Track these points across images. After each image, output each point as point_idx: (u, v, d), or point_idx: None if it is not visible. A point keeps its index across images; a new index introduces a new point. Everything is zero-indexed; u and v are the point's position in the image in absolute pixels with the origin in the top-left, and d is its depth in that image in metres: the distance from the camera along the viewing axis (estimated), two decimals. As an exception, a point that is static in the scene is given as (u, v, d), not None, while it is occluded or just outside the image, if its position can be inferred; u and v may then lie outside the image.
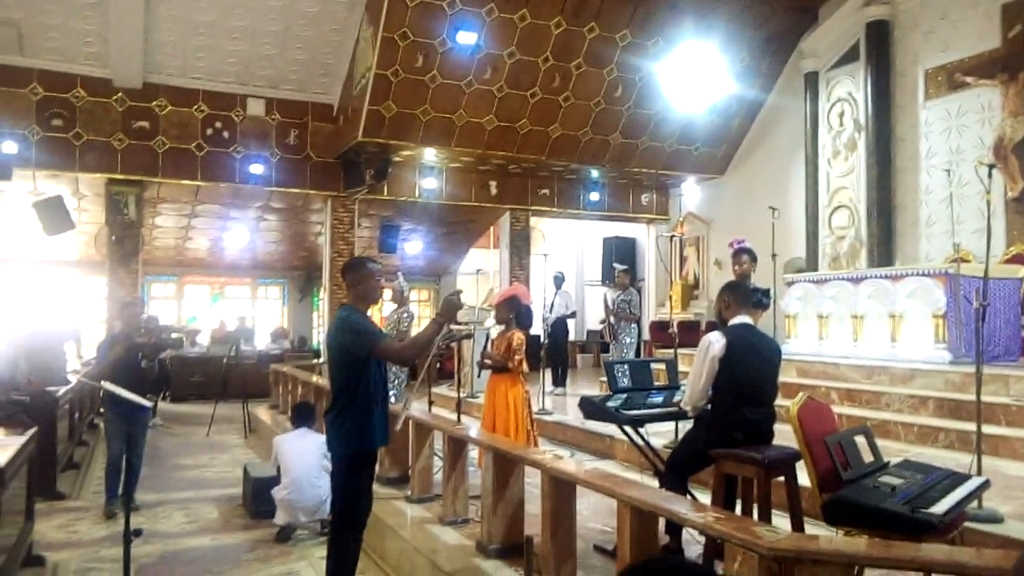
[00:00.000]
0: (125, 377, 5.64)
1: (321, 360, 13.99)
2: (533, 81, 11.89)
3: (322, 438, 4.72)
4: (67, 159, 11.57)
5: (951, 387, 6.58)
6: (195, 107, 12.24)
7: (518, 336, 5.92)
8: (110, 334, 6.80)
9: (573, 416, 8.25)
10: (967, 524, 3.69)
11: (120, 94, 11.81)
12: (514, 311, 6.01)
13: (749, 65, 12.73)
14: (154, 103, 12.01)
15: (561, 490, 3.87)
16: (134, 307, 6.81)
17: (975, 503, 3.86)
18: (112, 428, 6.34)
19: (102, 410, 11.67)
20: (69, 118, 11.55)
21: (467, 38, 10.89)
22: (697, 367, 4.05)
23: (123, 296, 12.13)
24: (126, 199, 12.25)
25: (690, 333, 11.35)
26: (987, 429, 5.17)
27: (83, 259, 15.74)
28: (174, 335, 7.72)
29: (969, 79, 9.78)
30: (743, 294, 4.26)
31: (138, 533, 4.55)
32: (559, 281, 11.52)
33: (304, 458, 5.82)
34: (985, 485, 3.56)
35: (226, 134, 12.43)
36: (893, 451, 5.44)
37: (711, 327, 4.26)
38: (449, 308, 3.94)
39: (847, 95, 11.15)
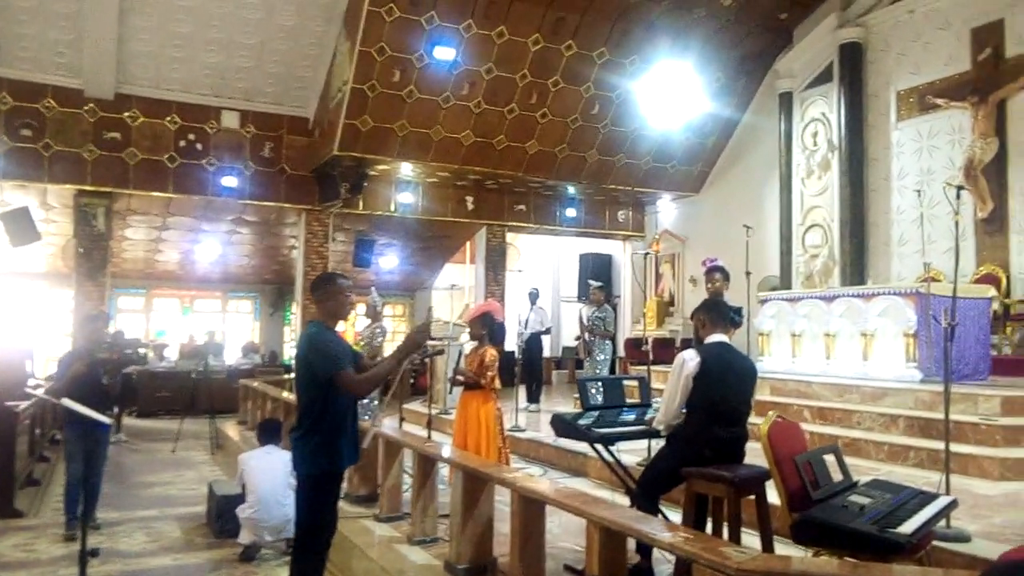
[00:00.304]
0: (85, 393, 5.40)
1: (292, 376, 13.84)
2: (510, 97, 11.91)
3: (288, 455, 4.63)
4: (35, 170, 11.38)
5: (921, 405, 6.60)
6: (168, 118, 12.11)
7: (491, 353, 5.87)
8: (74, 350, 6.50)
9: (546, 433, 8.17)
10: (935, 543, 3.67)
11: (91, 105, 11.65)
12: (487, 327, 5.96)
13: (725, 84, 12.84)
14: (126, 114, 11.86)
15: (530, 509, 3.81)
16: (97, 321, 6.55)
17: (943, 522, 3.85)
18: (71, 447, 6.08)
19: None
20: (38, 128, 11.37)
21: (445, 53, 10.90)
22: (672, 386, 4.02)
23: (89, 310, 11.93)
24: (95, 211, 12.06)
25: (665, 350, 11.36)
26: (956, 448, 5.19)
27: (50, 271, 15.46)
28: (141, 350, 7.58)
29: (940, 101, 9.94)
30: (719, 313, 4.25)
31: (95, 553, 4.43)
32: (534, 297, 11.49)
33: (270, 476, 5.70)
34: (953, 504, 3.55)
35: (199, 146, 12.30)
36: (864, 469, 5.44)
37: (686, 344, 4.25)
38: (411, 344, 3.86)
39: (821, 115, 11.28)
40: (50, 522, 6.60)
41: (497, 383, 5.93)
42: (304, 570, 3.91)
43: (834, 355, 8.09)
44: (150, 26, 11.02)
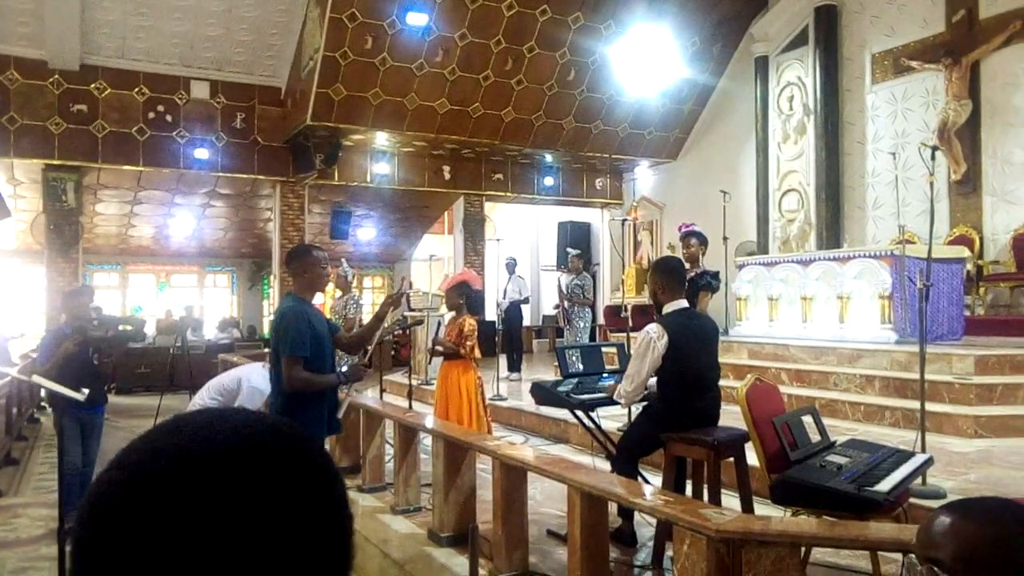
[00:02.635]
0: (77, 375, 5.08)
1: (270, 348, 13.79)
2: (485, 64, 11.77)
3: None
4: (1, 144, 11.11)
5: (897, 366, 6.70)
6: (136, 90, 11.84)
7: (469, 322, 5.85)
8: (57, 328, 5.97)
9: (528, 401, 8.19)
10: (912, 500, 3.74)
11: (56, 76, 11.37)
12: (464, 297, 5.93)
13: (700, 49, 12.77)
14: (92, 85, 11.59)
15: (512, 477, 3.83)
16: (82, 296, 6.00)
17: (919, 480, 3.92)
18: (70, 434, 5.48)
19: (43, 405, 11.37)
20: (3, 101, 11.07)
21: (417, 19, 10.72)
22: (637, 363, 3.92)
23: (64, 285, 11.75)
24: (64, 185, 11.82)
25: (644, 317, 11.40)
26: (931, 407, 5.27)
27: (21, 248, 15.19)
28: (120, 326, 7.40)
29: (914, 63, 9.94)
30: (677, 277, 4.12)
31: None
32: (512, 267, 11.47)
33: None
34: (929, 462, 3.61)
35: (169, 118, 12.06)
36: (841, 430, 5.51)
37: (658, 311, 4.20)
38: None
39: (796, 79, 11.26)
40: (31, 501, 6.54)
41: (477, 352, 5.92)
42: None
43: (811, 318, 8.17)
44: (114, -6, 10.74)
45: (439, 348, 5.99)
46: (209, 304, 18.05)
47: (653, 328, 3.88)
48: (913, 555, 1.12)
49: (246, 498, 0.52)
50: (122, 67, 11.72)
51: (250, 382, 5.56)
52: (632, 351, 4.22)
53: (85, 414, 5.46)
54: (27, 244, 14.88)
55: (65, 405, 5.26)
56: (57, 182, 11.80)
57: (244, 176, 13.03)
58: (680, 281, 4.10)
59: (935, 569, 1.09)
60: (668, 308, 4.01)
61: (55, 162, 11.58)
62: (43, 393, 11.13)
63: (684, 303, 4.03)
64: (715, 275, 6.58)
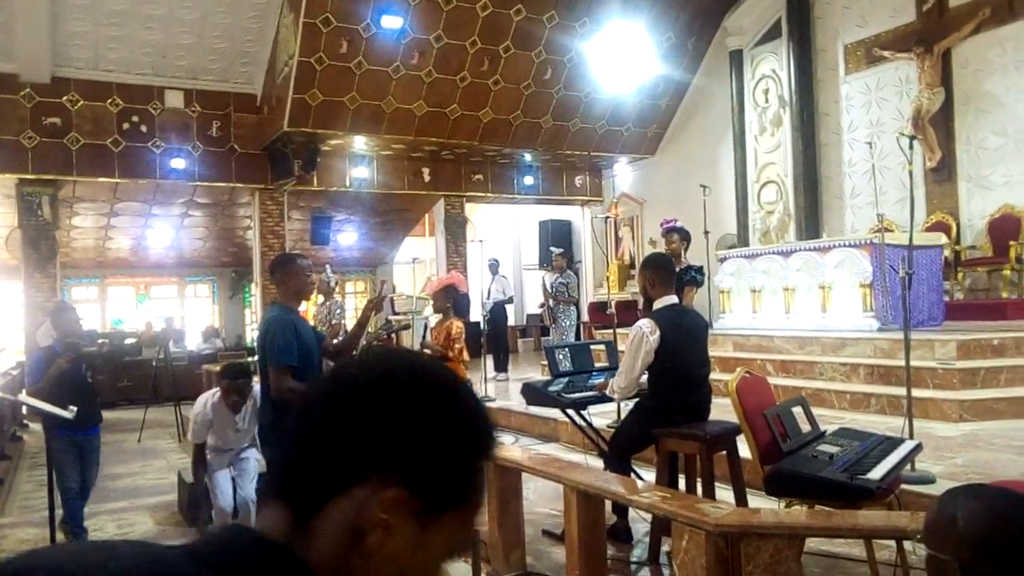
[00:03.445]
0: (71, 393, 4.84)
1: (256, 358, 13.68)
2: (461, 65, 11.75)
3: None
4: (-27, 160, 10.96)
5: (880, 354, 6.78)
6: (109, 101, 11.71)
7: (457, 325, 5.85)
8: (47, 346, 5.69)
9: (516, 401, 8.22)
10: (903, 487, 3.78)
11: (28, 89, 11.21)
12: (451, 299, 5.94)
13: (675, 44, 12.82)
14: (65, 98, 11.44)
15: (507, 478, 3.84)
16: (70, 312, 5.74)
17: (908, 466, 3.96)
18: (62, 456, 5.21)
19: (25, 423, 11.23)
20: (-27, 116, 10.93)
21: (392, 22, 10.69)
22: (630, 358, 3.95)
23: (42, 300, 11.62)
24: (39, 200, 11.67)
25: (628, 313, 11.44)
26: (916, 392, 5.32)
27: (-3, 264, 14.98)
28: (99, 340, 7.27)
29: (887, 53, 10.05)
30: (668, 272, 4.15)
31: (66, 549, 4.34)
32: (494, 268, 11.48)
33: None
34: (918, 448, 3.65)
35: (144, 128, 11.93)
36: (828, 419, 5.56)
37: (648, 307, 4.21)
38: (363, 319, 4.28)
39: (771, 72, 11.36)
40: (18, 521, 6.46)
41: (465, 355, 5.92)
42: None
43: (793, 309, 8.24)
44: (84, 4, 10.58)
45: (427, 351, 5.99)
46: (190, 315, 17.89)
47: (645, 323, 3.91)
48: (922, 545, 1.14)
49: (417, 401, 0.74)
50: (95, 78, 11.58)
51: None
52: (623, 347, 4.24)
53: (80, 435, 5.21)
54: (3, 260, 14.66)
55: (55, 426, 5.01)
56: (32, 196, 11.65)
57: (222, 185, 12.92)
58: (670, 277, 4.14)
59: (941, 558, 1.11)
60: (659, 304, 4.04)
61: (29, 176, 11.43)
62: (24, 411, 11.00)
63: (674, 299, 4.07)
64: (699, 269, 6.63)
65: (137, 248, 16.18)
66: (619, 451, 4.12)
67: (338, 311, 8.25)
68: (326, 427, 0.73)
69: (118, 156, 11.79)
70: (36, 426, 10.87)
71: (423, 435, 0.72)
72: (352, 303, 18.32)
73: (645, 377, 3.97)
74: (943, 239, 8.32)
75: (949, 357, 6.27)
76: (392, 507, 0.70)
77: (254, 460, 4.82)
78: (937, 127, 9.49)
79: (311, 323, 5.36)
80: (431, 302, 6.31)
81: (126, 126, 11.81)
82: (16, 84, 11.13)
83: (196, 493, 5.71)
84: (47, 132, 11.35)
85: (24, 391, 5.29)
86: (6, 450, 9.40)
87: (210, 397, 4.59)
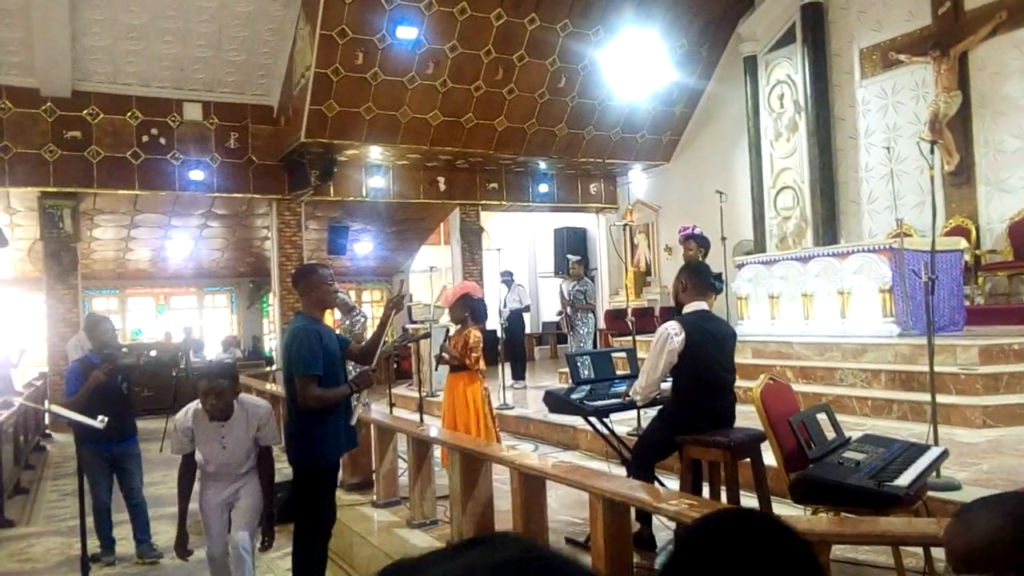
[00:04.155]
0: (107, 405, 4.76)
1: (275, 367, 13.75)
2: (476, 75, 11.82)
3: None
4: (-4, 174, 11.12)
5: (901, 359, 6.73)
6: (128, 114, 11.86)
7: (475, 334, 5.86)
8: (82, 356, 5.65)
9: (534, 409, 8.24)
10: (928, 493, 3.77)
11: (49, 104, 11.38)
12: (468, 308, 5.94)
13: (689, 51, 12.85)
14: (85, 112, 11.60)
15: (530, 486, 3.84)
16: (106, 323, 5.62)
17: (934, 472, 3.94)
18: (93, 469, 5.14)
19: (48, 433, 11.34)
20: (-5, 131, 11.09)
21: (407, 33, 10.77)
22: (653, 358, 3.97)
23: (64, 312, 11.74)
24: (61, 212, 11.82)
25: (644, 320, 11.43)
26: (938, 398, 5.29)
27: (19, 276, 15.18)
28: (122, 349, 7.30)
29: (903, 57, 10.02)
30: (702, 279, 4.17)
31: (96, 559, 4.40)
32: (508, 280, 11.50)
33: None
34: (944, 455, 3.63)
35: (163, 140, 12.07)
36: (849, 425, 5.53)
37: (665, 314, 4.22)
38: (364, 379, 4.01)
39: (786, 77, 11.34)
40: (44, 530, 6.53)
41: (482, 364, 5.93)
42: (306, 560, 3.93)
43: (812, 315, 8.21)
44: (103, 19, 10.75)
45: (445, 356, 6.00)
46: (208, 325, 18.03)
47: (672, 325, 3.91)
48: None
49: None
50: (114, 92, 11.74)
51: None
52: (643, 355, 4.24)
53: (116, 447, 5.25)
54: (25, 272, 14.86)
55: (86, 438, 4.96)
56: (53, 209, 11.80)
57: (240, 195, 13.04)
58: (704, 284, 4.13)
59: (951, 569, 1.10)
60: (688, 308, 4.05)
61: (51, 189, 11.59)
62: (47, 420, 11.12)
63: (704, 305, 4.07)
64: (717, 276, 6.59)
65: (156, 259, 16.34)
66: (643, 458, 4.12)
67: (360, 320, 8.30)
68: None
69: (138, 168, 11.94)
70: (60, 436, 10.99)
71: None
72: (370, 311, 18.40)
73: (668, 384, 3.97)
74: (963, 243, 8.26)
75: (971, 363, 6.23)
76: None
77: (256, 498, 4.08)
78: (955, 131, 9.44)
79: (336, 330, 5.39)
80: (448, 314, 6.32)
81: (145, 139, 11.96)
82: (37, 99, 11.30)
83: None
84: (68, 146, 11.51)
85: (48, 401, 5.35)
86: (30, 460, 9.50)
87: (194, 404, 4.08)
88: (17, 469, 8.30)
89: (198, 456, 4.05)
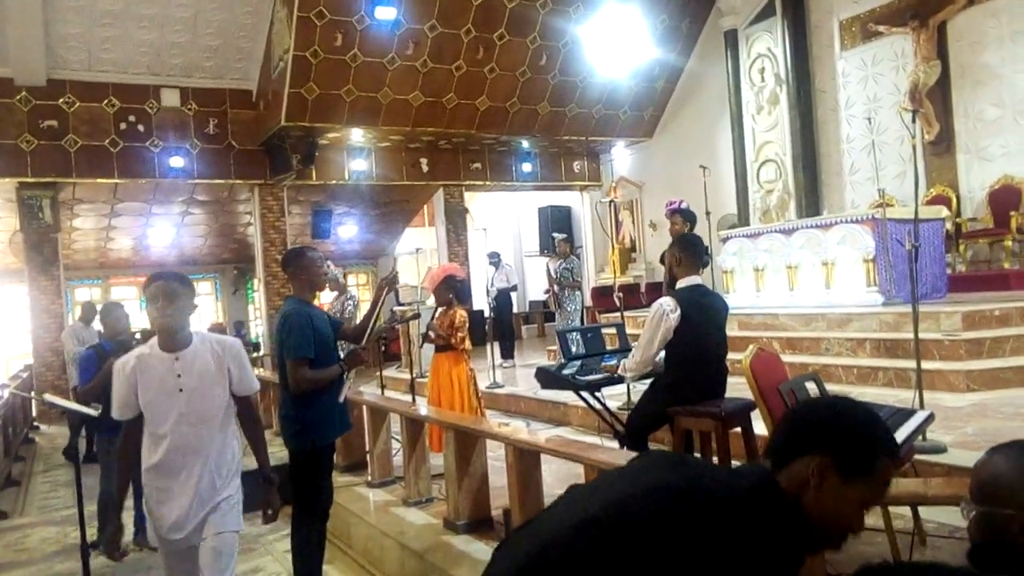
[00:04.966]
0: None
1: (262, 352, 13.72)
2: (456, 54, 11.75)
3: None
4: (-27, 165, 10.95)
5: (885, 327, 6.83)
6: (105, 101, 11.70)
7: (460, 314, 5.88)
8: (95, 344, 5.54)
9: (524, 387, 8.29)
10: (915, 456, 3.85)
11: (24, 93, 11.21)
12: (452, 289, 5.95)
13: (670, 26, 12.83)
14: (61, 100, 11.44)
15: (526, 460, 3.89)
16: (118, 310, 5.55)
17: (920, 436, 4.02)
18: (109, 459, 4.91)
19: (36, 425, 11.28)
20: (-30, 122, 10.92)
21: (386, 13, 10.68)
22: (649, 334, 3.96)
23: (47, 303, 11.65)
24: (40, 203, 11.68)
25: (631, 297, 11.50)
26: (923, 364, 5.38)
27: (1, 268, 15.00)
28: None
29: (882, 28, 10.06)
30: (696, 253, 4.15)
31: (95, 546, 4.41)
32: (495, 260, 11.50)
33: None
34: (930, 419, 3.71)
35: (141, 128, 11.94)
36: (836, 393, 5.62)
37: (651, 289, 4.24)
38: (354, 359, 3.94)
39: (766, 51, 11.36)
40: (37, 520, 6.53)
41: (468, 343, 5.96)
42: (304, 542, 3.95)
43: (797, 286, 8.29)
44: (77, 5, 10.57)
45: (431, 334, 6.02)
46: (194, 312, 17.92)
47: (667, 301, 3.92)
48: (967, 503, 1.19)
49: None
50: (90, 79, 11.57)
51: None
52: (632, 330, 4.28)
53: None
54: (6, 264, 14.70)
55: (108, 428, 4.71)
56: (32, 200, 11.66)
57: (221, 181, 12.95)
58: (697, 257, 4.13)
59: (999, 513, 1.15)
60: (682, 283, 4.06)
61: (29, 180, 11.44)
62: (34, 412, 11.06)
63: (698, 279, 4.07)
64: (704, 250, 6.65)
65: (139, 248, 16.20)
66: (636, 430, 4.17)
67: (351, 304, 8.30)
68: (799, 428, 1.37)
69: (116, 156, 11.81)
70: (49, 428, 10.93)
71: (845, 437, 1.30)
72: (355, 294, 18.36)
73: (660, 357, 4.01)
74: (944, 212, 8.36)
75: (954, 329, 6.33)
76: (823, 468, 1.28)
77: (232, 536, 2.90)
78: (934, 100, 9.52)
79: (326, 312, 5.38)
80: (433, 298, 6.31)
81: (123, 126, 11.82)
82: (11, 88, 11.13)
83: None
84: (45, 135, 11.36)
85: (34, 392, 5.33)
86: (19, 452, 9.47)
87: (137, 349, 3.00)
88: (7, 461, 8.27)
89: (147, 424, 2.87)
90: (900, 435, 3.23)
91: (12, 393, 7.28)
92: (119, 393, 2.87)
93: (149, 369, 2.85)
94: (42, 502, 7.06)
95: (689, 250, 4.15)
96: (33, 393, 4.83)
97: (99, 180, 12.02)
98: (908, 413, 3.63)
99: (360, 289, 19.17)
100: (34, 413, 11.11)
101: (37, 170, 11.38)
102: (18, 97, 11.18)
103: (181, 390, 2.84)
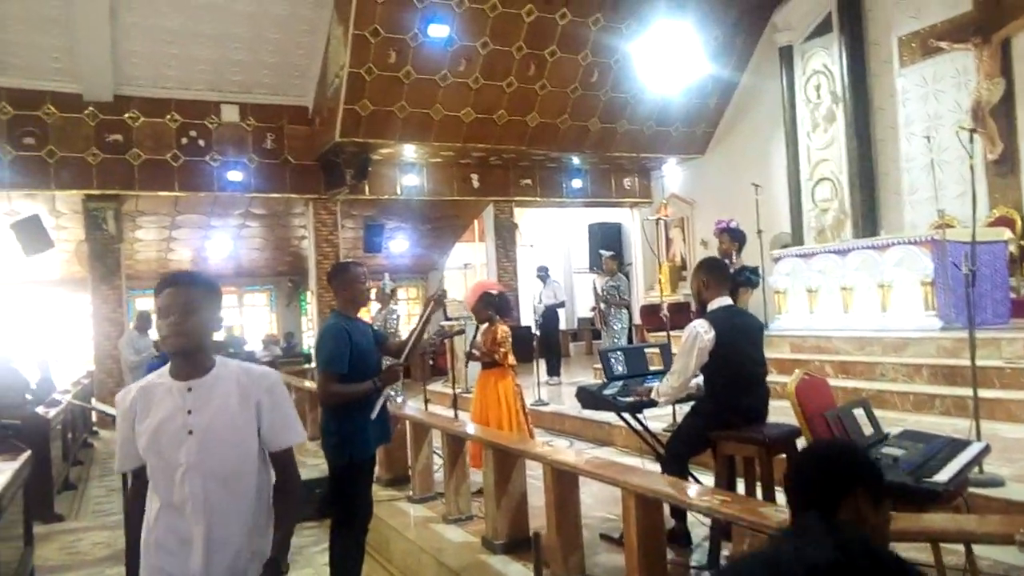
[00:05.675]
0: None
1: (312, 364, 13.92)
2: (508, 71, 11.82)
3: None
4: (42, 177, 11.39)
5: (943, 353, 6.60)
6: (168, 117, 12.08)
7: (502, 329, 5.84)
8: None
9: (569, 405, 8.24)
10: (970, 490, 3.69)
11: (91, 108, 11.64)
12: (491, 306, 5.91)
13: (723, 43, 12.70)
14: (126, 115, 11.84)
15: (564, 481, 3.85)
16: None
17: (976, 468, 3.86)
18: None
19: (95, 430, 11.63)
20: (41, 135, 11.36)
21: (439, 31, 10.82)
22: (683, 358, 3.91)
23: (108, 312, 12.01)
24: (104, 214, 12.10)
25: (680, 315, 11.36)
26: (982, 393, 5.18)
27: (66, 277, 15.56)
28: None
29: (943, 44, 9.80)
30: (722, 274, 4.13)
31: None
32: (543, 275, 11.48)
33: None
34: (986, 450, 3.56)
35: (201, 142, 12.28)
36: (890, 420, 5.45)
37: (700, 310, 4.18)
38: (389, 375, 3.94)
39: (823, 67, 11.16)
40: (91, 525, 6.71)
41: (511, 359, 5.90)
42: (343, 554, 3.98)
43: (851, 308, 8.08)
44: (141, 24, 10.94)
45: (475, 352, 6.01)
46: (248, 323, 18.32)
47: (700, 323, 3.87)
48: None
49: None
50: (154, 95, 11.96)
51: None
52: (677, 348, 4.21)
53: None
54: (71, 273, 15.24)
55: None
56: (97, 211, 12.08)
57: (277, 195, 13.23)
58: (723, 278, 4.11)
59: None
60: (712, 305, 4.00)
61: (94, 192, 11.85)
62: (94, 417, 11.40)
63: (728, 300, 4.03)
64: (754, 270, 6.56)
65: (197, 259, 16.62)
66: (676, 454, 4.10)
67: (394, 318, 8.38)
68: (834, 472, 1.59)
69: (177, 170, 12.16)
70: (106, 433, 11.26)
71: (867, 469, 1.63)
72: (404, 309, 18.55)
73: (699, 380, 3.95)
74: (1007, 234, 8.07)
75: (1016, 356, 6.09)
76: (864, 500, 1.55)
77: None
78: (998, 118, 9.22)
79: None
80: (473, 317, 6.28)
81: (184, 141, 12.18)
82: (80, 104, 11.57)
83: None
84: (110, 149, 11.77)
85: (94, 399, 5.49)
86: (78, 456, 9.76)
87: (141, 380, 2.28)
88: (66, 465, 8.53)
89: (149, 468, 2.11)
90: (953, 467, 3.11)
91: (70, 403, 7.50)
92: (119, 435, 2.16)
93: (153, 403, 2.10)
94: (96, 506, 7.26)
95: (714, 272, 4.10)
96: (94, 400, 4.96)
97: (160, 193, 12.39)
98: (963, 444, 3.49)
99: (410, 303, 19.36)
100: (93, 418, 11.46)
101: (102, 183, 11.79)
102: (86, 112, 11.62)
103: (191, 432, 2.05)
